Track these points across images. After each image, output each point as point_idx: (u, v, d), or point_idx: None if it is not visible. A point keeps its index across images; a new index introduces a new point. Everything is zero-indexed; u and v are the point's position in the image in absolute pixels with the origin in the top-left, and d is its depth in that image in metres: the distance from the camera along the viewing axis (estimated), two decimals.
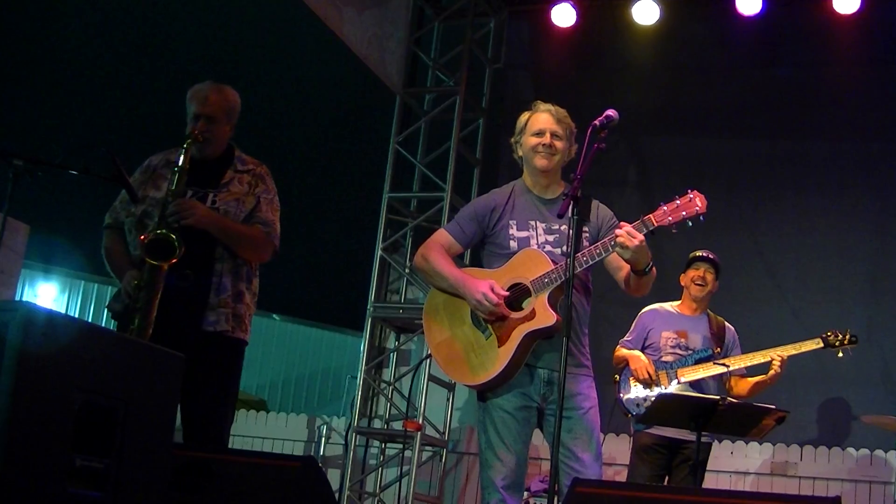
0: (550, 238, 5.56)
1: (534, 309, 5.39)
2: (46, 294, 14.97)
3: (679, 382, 7.46)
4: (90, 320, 14.46)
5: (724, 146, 10.42)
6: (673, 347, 7.64)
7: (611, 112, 5.32)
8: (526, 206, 5.65)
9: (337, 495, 9.87)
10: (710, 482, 9.02)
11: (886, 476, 8.91)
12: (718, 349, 7.65)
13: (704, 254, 7.83)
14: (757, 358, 7.52)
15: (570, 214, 5.14)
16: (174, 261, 5.59)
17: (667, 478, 7.65)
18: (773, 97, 10.36)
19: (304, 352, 15.91)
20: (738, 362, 7.55)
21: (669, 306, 7.83)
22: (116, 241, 6.05)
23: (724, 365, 7.50)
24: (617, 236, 5.24)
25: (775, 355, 7.44)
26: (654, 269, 5.46)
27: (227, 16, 10.77)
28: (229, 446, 6.29)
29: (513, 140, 5.81)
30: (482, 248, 5.84)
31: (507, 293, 5.44)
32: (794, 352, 7.45)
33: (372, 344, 10.95)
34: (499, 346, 5.44)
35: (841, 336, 7.48)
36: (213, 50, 10.55)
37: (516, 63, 11.48)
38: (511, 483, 5.44)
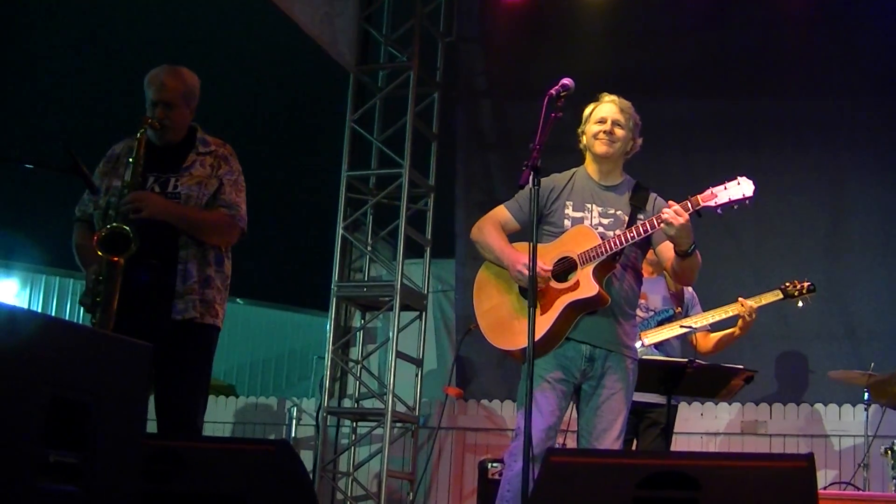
0: (605, 221, 5.77)
1: (578, 280, 5.58)
2: (7, 290, 14.85)
3: (643, 345, 7.50)
4: (53, 315, 14.38)
5: (679, 109, 10.43)
6: None
7: (566, 80, 5.41)
8: (584, 190, 5.86)
9: (311, 476, 9.86)
10: (681, 444, 9.08)
11: (856, 430, 8.97)
12: (679, 309, 7.71)
13: None
14: (719, 314, 7.60)
15: (530, 184, 5.18)
16: (129, 254, 5.57)
17: (635, 442, 7.70)
18: (726, 58, 10.39)
19: (270, 334, 15.87)
20: (701, 320, 7.62)
21: None
22: (85, 234, 6.03)
23: (688, 326, 7.55)
24: (663, 213, 5.43)
25: (739, 304, 7.51)
26: (697, 253, 5.66)
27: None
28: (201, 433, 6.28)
29: (578, 130, 6.00)
30: (539, 228, 5.88)
31: (548, 268, 5.62)
32: (754, 304, 7.52)
33: (337, 323, 10.93)
34: (541, 314, 5.55)
35: (799, 286, 7.59)
36: (163, 33, 10.47)
37: (468, 36, 11.44)
38: (539, 453, 5.37)
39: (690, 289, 7.93)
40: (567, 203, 5.85)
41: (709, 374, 6.67)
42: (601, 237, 5.64)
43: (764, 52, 10.26)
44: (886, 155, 9.78)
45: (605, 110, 5.92)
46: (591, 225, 5.77)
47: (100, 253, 5.59)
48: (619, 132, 5.88)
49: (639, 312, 7.65)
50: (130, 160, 5.82)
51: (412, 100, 10.73)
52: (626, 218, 5.81)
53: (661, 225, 5.47)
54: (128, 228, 5.59)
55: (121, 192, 5.77)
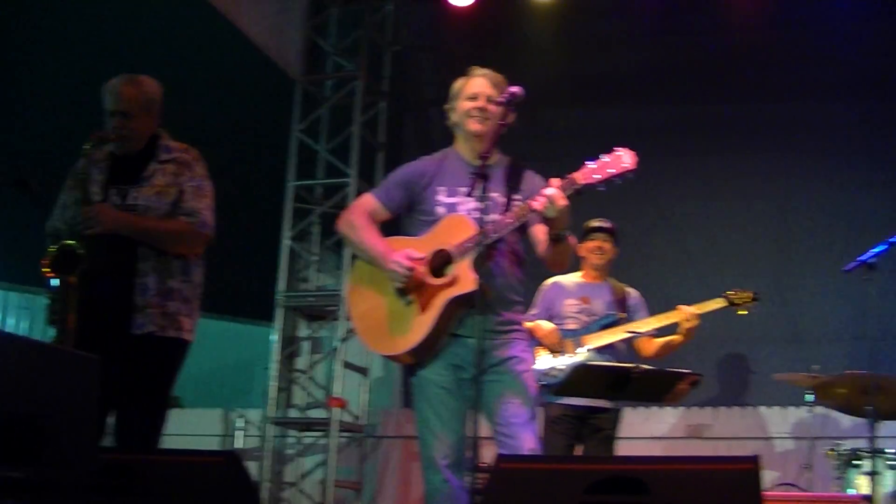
0: (481, 206, 5.18)
1: (456, 275, 5.24)
2: None
3: (585, 350, 7.53)
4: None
5: (627, 115, 10.49)
6: (577, 313, 7.69)
7: (515, 89, 5.25)
8: (457, 173, 5.46)
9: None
10: (625, 449, 9.09)
11: (801, 432, 9.05)
12: (623, 314, 7.73)
13: (600, 223, 7.88)
14: (661, 320, 7.61)
15: (477, 192, 4.97)
16: (80, 270, 5.50)
17: (580, 448, 7.72)
18: (674, 64, 10.46)
19: (215, 346, 15.74)
20: (644, 325, 7.63)
21: (571, 276, 7.89)
22: None
23: (633, 332, 7.59)
24: (541, 195, 5.08)
25: (680, 311, 7.54)
26: (571, 237, 5.36)
27: (123, 9, 10.61)
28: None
29: (447, 107, 5.65)
30: (409, 216, 5.69)
31: (422, 256, 5.32)
32: (696, 311, 7.55)
33: (283, 333, 10.91)
34: (420, 314, 5.30)
35: (743, 294, 7.63)
36: (110, 44, 10.37)
37: (415, 45, 11.48)
38: (454, 462, 5.30)
39: (636, 294, 7.96)
40: (439, 189, 5.49)
41: (654, 378, 6.65)
42: (477, 224, 5.16)
43: (714, 59, 10.35)
44: (833, 159, 9.90)
45: (477, 85, 5.51)
46: (465, 211, 5.36)
47: (49, 273, 5.52)
48: (492, 108, 5.40)
49: (581, 317, 7.68)
50: (81, 175, 5.74)
51: (359, 109, 10.74)
52: (504, 200, 5.42)
53: (541, 207, 5.08)
54: (75, 244, 5.52)
55: (74, 209, 5.71)
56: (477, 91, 5.51)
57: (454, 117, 5.63)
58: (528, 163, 5.73)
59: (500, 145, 5.49)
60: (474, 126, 5.46)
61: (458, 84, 5.64)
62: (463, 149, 5.62)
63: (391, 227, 5.80)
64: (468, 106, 5.51)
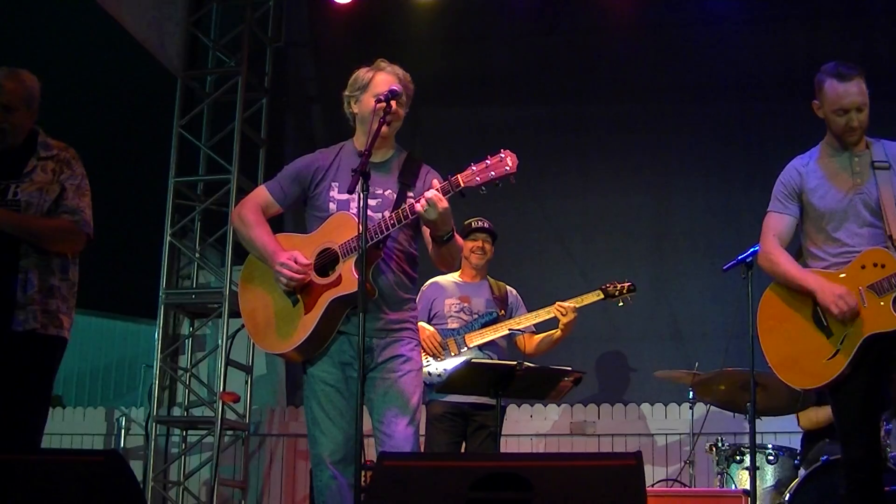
0: (372, 203, 5.30)
1: (340, 275, 5.27)
2: None
3: (468, 348, 7.56)
4: None
5: (507, 114, 10.53)
6: (457, 312, 7.75)
7: (395, 87, 5.30)
8: (350, 168, 5.32)
9: (141, 487, 9.73)
10: (510, 446, 9.19)
11: (682, 428, 9.16)
12: (502, 311, 7.79)
13: (480, 223, 7.95)
14: (540, 315, 7.69)
15: (359, 190, 4.99)
16: None
17: (464, 444, 7.74)
18: (553, 63, 10.52)
19: (97, 344, 15.56)
20: (524, 321, 7.72)
21: (450, 276, 7.92)
22: None
23: (514, 329, 7.64)
24: (422, 197, 5.10)
25: (558, 306, 7.60)
26: (456, 238, 5.38)
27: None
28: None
29: (347, 94, 5.63)
30: (304, 211, 5.68)
31: (309, 262, 5.33)
32: (576, 305, 7.62)
33: (166, 331, 10.81)
34: (305, 314, 5.33)
35: (620, 286, 7.74)
36: None
37: (297, 41, 11.41)
38: (342, 458, 5.31)
39: (514, 291, 8.04)
40: (332, 184, 5.50)
41: (538, 375, 6.71)
42: (363, 223, 5.03)
43: (590, 58, 10.41)
44: (709, 158, 10.02)
45: (389, 84, 5.46)
46: (356, 208, 5.22)
47: None
48: (401, 111, 5.45)
49: (462, 316, 7.71)
50: None
51: (240, 105, 10.66)
52: (395, 196, 5.44)
53: (421, 209, 5.11)
54: None
55: None
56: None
57: (357, 110, 5.61)
58: (422, 159, 5.73)
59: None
60: (383, 129, 5.34)
61: (365, 76, 5.60)
62: (360, 143, 5.57)
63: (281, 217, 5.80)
64: (379, 107, 5.38)
